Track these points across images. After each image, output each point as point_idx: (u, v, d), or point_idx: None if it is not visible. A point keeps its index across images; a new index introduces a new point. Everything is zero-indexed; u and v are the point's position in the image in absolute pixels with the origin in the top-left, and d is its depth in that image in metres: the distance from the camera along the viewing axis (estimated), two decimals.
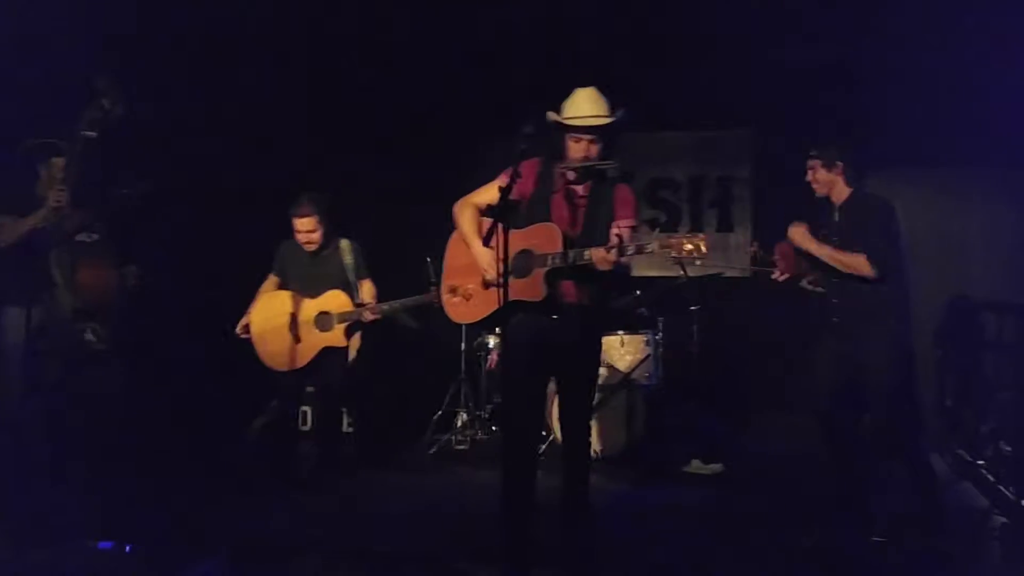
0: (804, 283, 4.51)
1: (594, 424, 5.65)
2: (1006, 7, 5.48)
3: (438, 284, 4.41)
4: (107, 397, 4.49)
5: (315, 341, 5.09)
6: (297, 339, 5.11)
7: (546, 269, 3.52)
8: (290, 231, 5.20)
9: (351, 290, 5.17)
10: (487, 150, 3.89)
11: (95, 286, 4.46)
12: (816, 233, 4.31)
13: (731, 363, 6.87)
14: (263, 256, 5.61)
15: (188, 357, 5.69)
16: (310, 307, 5.13)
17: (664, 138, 7.57)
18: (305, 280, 5.18)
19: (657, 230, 7.06)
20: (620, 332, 6.14)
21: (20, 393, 4.33)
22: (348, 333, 5.11)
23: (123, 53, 5.01)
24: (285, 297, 5.20)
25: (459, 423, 6.45)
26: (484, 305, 3.72)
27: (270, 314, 5.18)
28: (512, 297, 3.41)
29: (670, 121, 7.43)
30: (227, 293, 5.92)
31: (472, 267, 3.74)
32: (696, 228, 7.54)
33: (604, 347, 6.07)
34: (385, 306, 5.09)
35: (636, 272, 7.39)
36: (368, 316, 5.06)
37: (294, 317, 5.12)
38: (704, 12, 6.32)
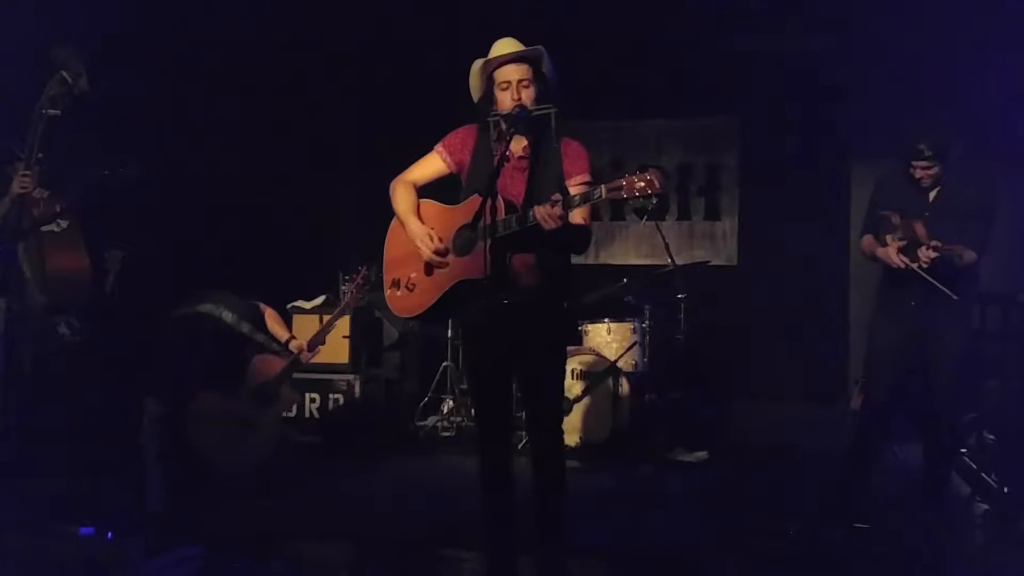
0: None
1: (580, 411, 5.70)
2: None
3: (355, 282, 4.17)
4: (83, 391, 4.35)
5: (269, 423, 4.62)
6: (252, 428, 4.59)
7: (488, 241, 3.09)
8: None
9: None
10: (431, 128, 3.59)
11: (66, 278, 4.21)
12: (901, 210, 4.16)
13: (717, 351, 6.89)
14: (252, 241, 5.57)
15: (169, 348, 5.63)
16: (244, 391, 4.59)
17: (652, 126, 7.57)
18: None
19: (645, 218, 7.05)
20: (607, 320, 6.14)
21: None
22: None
23: (93, 28, 4.86)
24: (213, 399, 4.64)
25: (445, 409, 6.44)
26: (428, 293, 3.31)
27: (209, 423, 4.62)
28: (456, 278, 3.22)
29: (658, 109, 7.43)
30: (215, 278, 5.91)
31: (413, 254, 3.32)
32: (684, 216, 7.56)
33: (590, 334, 6.15)
34: (317, 342, 4.60)
35: (623, 260, 7.46)
36: (305, 357, 4.62)
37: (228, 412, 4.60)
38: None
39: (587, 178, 3.27)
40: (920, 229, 4.00)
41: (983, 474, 4.78)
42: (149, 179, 4.90)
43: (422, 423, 6.36)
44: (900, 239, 4.07)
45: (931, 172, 4.08)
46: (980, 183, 4.17)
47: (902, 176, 4.21)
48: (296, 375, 5.28)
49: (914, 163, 4.08)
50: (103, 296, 4.52)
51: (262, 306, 4.84)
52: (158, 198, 5.45)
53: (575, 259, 3.42)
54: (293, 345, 4.59)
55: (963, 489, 4.76)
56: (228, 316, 4.60)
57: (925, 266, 3.97)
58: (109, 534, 3.35)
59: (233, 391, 4.57)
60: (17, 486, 3.97)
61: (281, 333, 4.74)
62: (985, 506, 4.46)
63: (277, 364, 4.57)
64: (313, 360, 4.96)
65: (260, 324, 4.74)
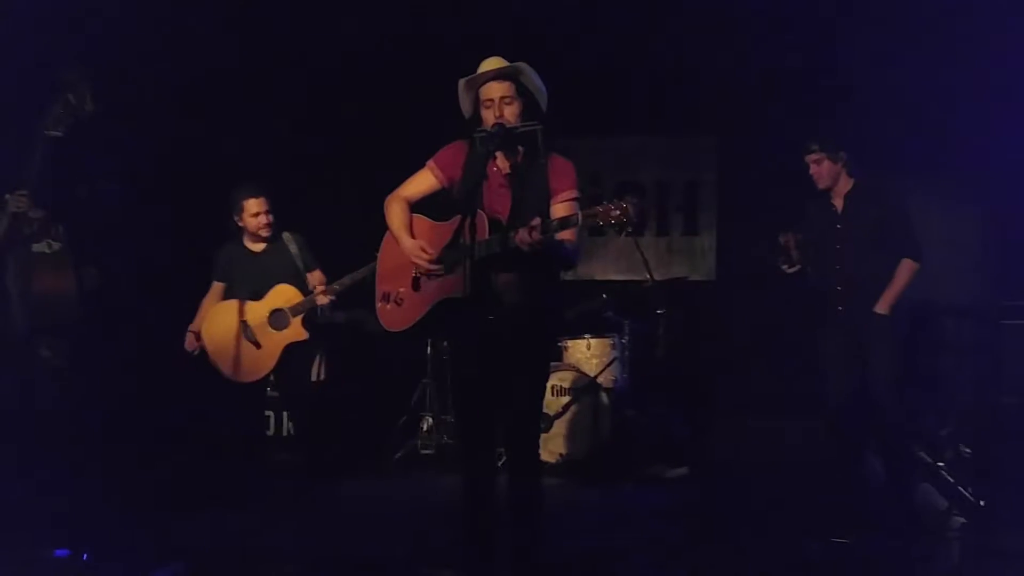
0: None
1: (560, 427, 5.70)
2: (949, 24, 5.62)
3: None
4: (64, 415, 4.31)
5: (276, 341, 4.88)
6: (257, 345, 4.90)
7: (468, 261, 3.13)
8: (229, 236, 5.03)
9: (301, 282, 4.95)
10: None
11: (52, 300, 4.20)
12: (816, 227, 4.60)
13: (697, 367, 6.91)
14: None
15: (152, 369, 5.61)
16: (260, 308, 4.90)
17: (631, 143, 7.60)
18: (253, 280, 4.93)
19: (623, 233, 7.06)
20: (586, 335, 6.15)
21: None
22: (306, 324, 4.89)
23: (87, 44, 4.89)
24: (229, 307, 4.95)
25: (424, 427, 6.41)
26: (415, 309, 3.38)
27: (222, 327, 4.93)
28: (441, 295, 3.26)
29: (637, 126, 7.47)
30: (195, 300, 5.87)
31: (404, 269, 3.39)
32: (662, 232, 7.59)
33: (570, 350, 6.15)
34: (336, 285, 4.86)
35: (602, 276, 7.47)
36: (321, 300, 4.85)
37: (245, 324, 4.89)
38: (672, 17, 6.38)
39: (574, 194, 3.30)
40: (789, 241, 4.61)
41: (960, 488, 4.81)
42: (131, 195, 4.90)
43: (402, 441, 6.33)
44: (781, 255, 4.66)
45: (821, 168, 4.49)
46: (884, 191, 4.53)
47: (818, 199, 4.61)
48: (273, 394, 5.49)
49: (806, 159, 4.53)
50: (88, 317, 4.49)
51: None
52: (140, 214, 5.46)
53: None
54: (318, 289, 4.90)
55: (940, 503, 4.79)
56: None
57: (790, 271, 4.64)
58: (85, 555, 3.31)
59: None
60: None
61: (316, 280, 5.00)
62: (962, 519, 4.49)
63: (296, 297, 4.89)
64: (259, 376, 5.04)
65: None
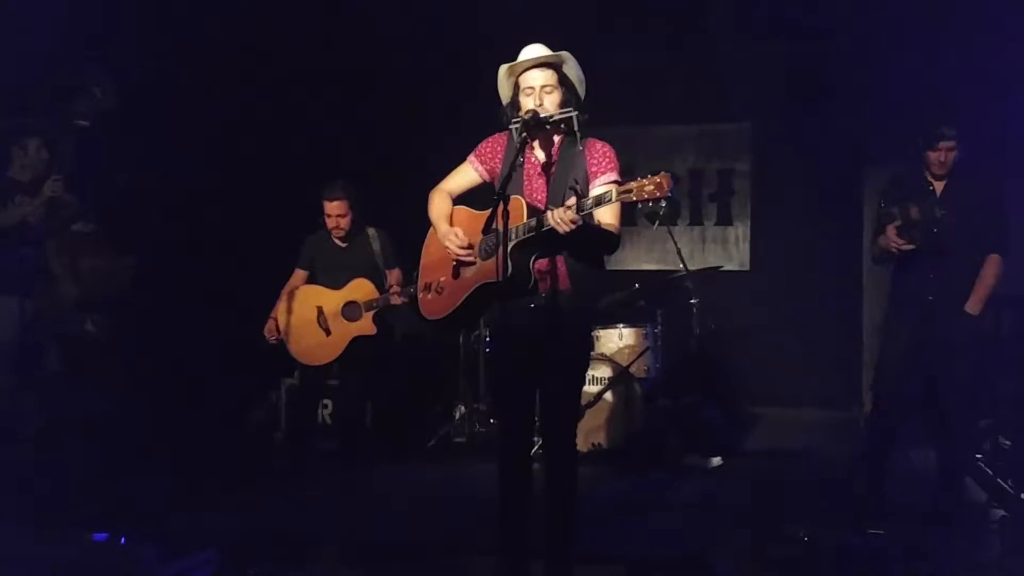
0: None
1: (592, 416, 5.68)
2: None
3: None
4: (107, 387, 4.49)
5: (345, 332, 5.07)
6: (327, 332, 5.10)
7: (510, 245, 3.10)
8: (311, 225, 5.21)
9: (380, 278, 5.16)
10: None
11: (95, 276, 4.48)
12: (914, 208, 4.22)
13: (730, 357, 6.86)
14: (267, 246, 5.62)
15: (188, 348, 5.69)
16: (336, 298, 5.11)
17: (664, 131, 7.56)
18: (334, 271, 5.15)
19: (656, 223, 7.03)
20: (619, 325, 6.12)
21: (17, 383, 4.32)
22: (376, 321, 5.07)
23: (127, 35, 5.01)
24: (310, 291, 5.19)
25: (457, 415, 6.42)
26: (454, 296, 3.40)
27: (297, 310, 5.16)
28: (478, 281, 3.27)
29: (671, 114, 7.43)
30: (229, 284, 5.93)
31: (444, 259, 3.42)
32: (696, 221, 7.54)
33: (602, 339, 6.13)
34: (411, 288, 4.91)
35: (634, 265, 7.43)
36: (395, 300, 5.02)
37: (321, 310, 5.12)
38: (706, 4, 6.33)
39: (614, 177, 3.28)
40: (915, 211, 4.13)
41: (999, 480, 4.74)
42: (147, 186, 5.03)
43: (435, 429, 6.34)
44: (898, 224, 4.17)
45: (952, 154, 4.17)
46: (984, 180, 4.28)
47: (909, 176, 4.34)
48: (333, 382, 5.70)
49: (940, 145, 4.17)
50: (129, 296, 4.69)
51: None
52: (168, 202, 5.53)
53: None
54: (393, 289, 5.08)
55: (979, 495, 4.72)
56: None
57: (905, 248, 4.13)
58: (123, 539, 3.35)
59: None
60: (30, 489, 4.00)
61: (394, 278, 5.22)
62: (1002, 512, 4.42)
63: (371, 293, 5.10)
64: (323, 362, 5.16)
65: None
